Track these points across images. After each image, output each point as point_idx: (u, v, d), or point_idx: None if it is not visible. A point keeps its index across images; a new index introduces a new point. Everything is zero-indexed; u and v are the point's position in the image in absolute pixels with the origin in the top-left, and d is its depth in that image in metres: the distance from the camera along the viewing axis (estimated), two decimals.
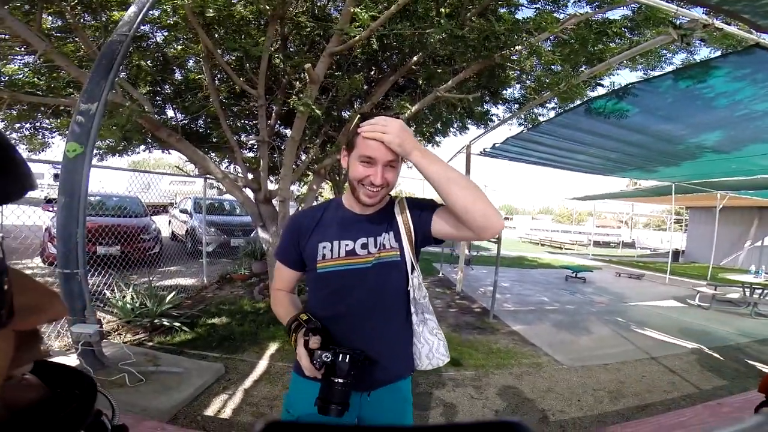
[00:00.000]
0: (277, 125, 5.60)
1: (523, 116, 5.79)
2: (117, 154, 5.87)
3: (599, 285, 8.74)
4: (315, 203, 4.20)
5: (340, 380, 0.88)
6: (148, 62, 4.68)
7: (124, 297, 3.89)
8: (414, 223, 1.11)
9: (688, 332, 5.03)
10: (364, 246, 1.09)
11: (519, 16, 3.79)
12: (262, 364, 3.23)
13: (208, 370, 2.96)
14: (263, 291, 5.26)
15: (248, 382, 2.92)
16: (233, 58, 4.47)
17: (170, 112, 5.46)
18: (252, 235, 8.06)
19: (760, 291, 6.42)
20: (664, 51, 4.38)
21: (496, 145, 5.48)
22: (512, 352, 4.00)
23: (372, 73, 4.87)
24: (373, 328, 1.10)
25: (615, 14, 3.72)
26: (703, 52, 4.44)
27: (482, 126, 6.16)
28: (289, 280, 1.20)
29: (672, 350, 4.30)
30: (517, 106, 5.79)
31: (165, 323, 3.73)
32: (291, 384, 1.19)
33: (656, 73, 3.86)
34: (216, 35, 3.92)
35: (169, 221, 10.12)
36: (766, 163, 5.55)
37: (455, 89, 3.81)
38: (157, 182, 6.25)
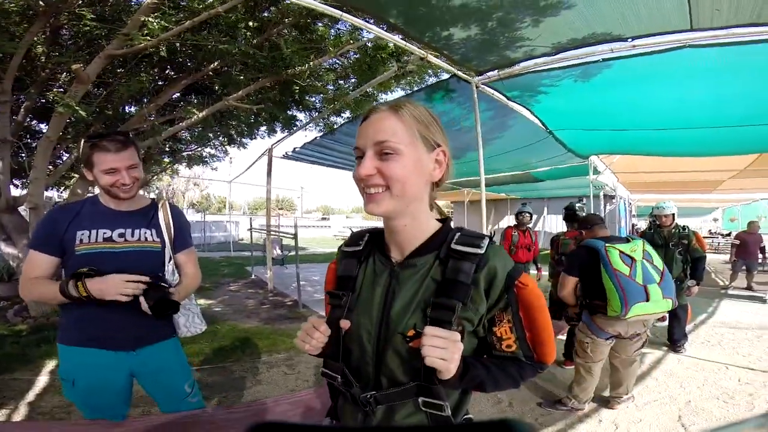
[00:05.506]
0: (29, 121, 4.56)
1: (322, 123, 6.42)
2: None
3: None
4: None
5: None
6: None
7: None
8: (176, 233, 1.41)
9: None
10: (122, 235, 1.29)
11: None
12: (43, 379, 2.95)
13: None
14: (21, 313, 4.39)
15: (31, 396, 2.70)
16: None
17: None
18: None
19: None
20: (426, 75, 5.28)
21: (296, 150, 5.89)
22: None
23: (165, 72, 4.58)
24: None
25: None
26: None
27: (287, 130, 6.58)
28: (47, 267, 1.25)
29: None
30: (317, 113, 6.43)
31: None
32: (60, 355, 1.28)
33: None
34: None
35: None
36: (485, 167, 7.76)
37: (251, 97, 4.07)
38: None
